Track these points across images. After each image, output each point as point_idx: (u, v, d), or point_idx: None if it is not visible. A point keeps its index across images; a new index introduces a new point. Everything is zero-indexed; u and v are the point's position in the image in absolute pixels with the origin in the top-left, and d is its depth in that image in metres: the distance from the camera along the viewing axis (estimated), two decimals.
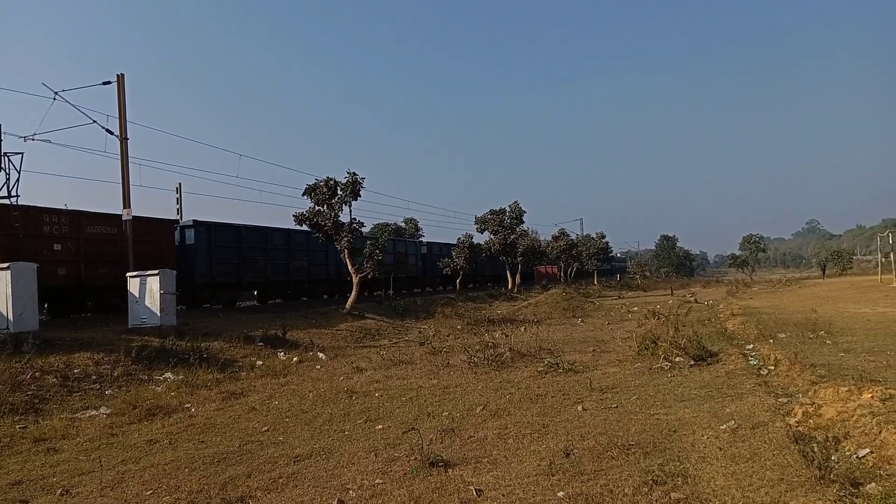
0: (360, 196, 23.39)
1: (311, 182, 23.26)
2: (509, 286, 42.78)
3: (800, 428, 6.57)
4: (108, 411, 9.62)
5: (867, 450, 5.56)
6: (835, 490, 4.75)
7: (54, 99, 18.99)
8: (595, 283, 59.78)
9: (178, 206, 33.33)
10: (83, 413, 9.62)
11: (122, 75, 19.20)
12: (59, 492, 5.99)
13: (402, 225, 63.90)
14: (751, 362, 10.73)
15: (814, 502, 4.63)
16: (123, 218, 18.82)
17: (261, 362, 13.93)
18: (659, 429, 6.94)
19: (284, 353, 15.08)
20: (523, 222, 43.54)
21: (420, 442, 6.55)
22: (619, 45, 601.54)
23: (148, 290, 15.52)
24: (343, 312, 22.66)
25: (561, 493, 5.14)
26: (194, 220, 23.66)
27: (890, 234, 40.47)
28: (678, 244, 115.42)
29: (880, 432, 5.75)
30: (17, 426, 8.73)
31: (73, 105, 19.14)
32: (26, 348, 12.02)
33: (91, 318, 18.36)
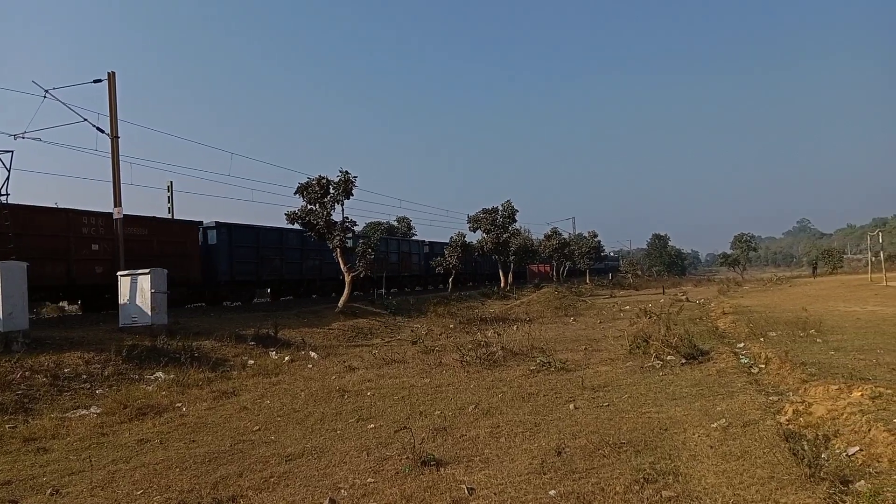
0: (352, 195, 23.34)
1: (304, 181, 23.22)
2: (502, 285, 42.80)
3: (790, 426, 6.60)
4: (98, 411, 9.56)
5: (857, 448, 5.60)
6: (825, 488, 4.78)
7: (45, 97, 18.87)
8: (587, 281, 59.98)
9: (169, 205, 33.17)
10: (73, 412, 9.56)
11: (113, 73, 19.07)
12: (48, 492, 5.96)
13: (395, 223, 63.79)
14: (742, 361, 10.78)
15: (804, 500, 4.65)
16: (115, 217, 18.70)
17: (252, 361, 13.88)
18: (650, 427, 6.96)
19: (276, 353, 15.04)
20: (516, 221, 43.56)
21: (412, 441, 6.55)
22: (614, 47, 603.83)
23: (139, 289, 15.44)
24: (335, 311, 22.62)
25: (553, 492, 5.15)
26: (216, 222, 24.54)
27: (880, 233, 40.79)
28: (670, 243, 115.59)
29: (870, 430, 5.79)
30: (7, 426, 8.67)
31: (63, 103, 19.04)
32: (16, 347, 11.94)
33: (82, 317, 18.24)
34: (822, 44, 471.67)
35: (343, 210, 23.57)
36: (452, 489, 5.37)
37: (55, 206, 18.70)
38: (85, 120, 19.31)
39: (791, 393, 7.97)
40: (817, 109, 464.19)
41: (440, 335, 19.27)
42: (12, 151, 16.61)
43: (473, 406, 8.64)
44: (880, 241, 39.06)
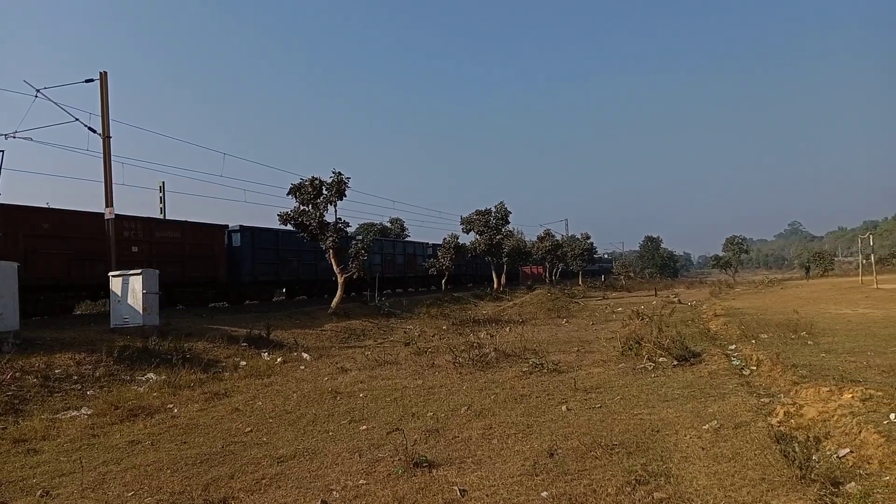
0: (345, 196, 23.33)
1: (297, 182, 23.18)
2: (495, 286, 42.80)
3: (781, 428, 6.63)
4: (89, 412, 9.51)
5: (847, 449, 5.63)
6: (815, 489, 4.81)
7: (36, 96, 18.76)
8: (580, 283, 60.01)
9: (161, 206, 33.05)
10: (64, 414, 9.51)
11: (105, 73, 18.98)
12: (39, 493, 5.92)
13: (388, 225, 63.76)
14: (733, 363, 10.82)
15: (795, 501, 4.68)
16: (106, 217, 18.59)
17: (244, 363, 13.84)
18: (642, 429, 6.98)
19: (268, 354, 15.00)
20: (509, 223, 43.57)
21: (404, 442, 6.55)
22: (607, 48, 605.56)
23: (130, 290, 15.36)
24: (328, 312, 22.58)
25: (545, 493, 5.15)
26: (241, 226, 25.85)
27: (870, 236, 41.02)
28: (662, 245, 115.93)
29: (860, 432, 5.82)
30: None
31: (55, 103, 18.93)
32: (6, 348, 11.86)
33: (73, 318, 18.14)
34: (814, 48, 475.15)
35: (336, 211, 23.57)
36: (445, 490, 5.37)
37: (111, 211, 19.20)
38: (76, 120, 19.22)
39: (782, 395, 8.00)
40: (809, 112, 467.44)
41: (433, 336, 19.25)
42: (3, 151, 16.52)
43: (466, 407, 8.64)
44: (871, 243, 39.30)
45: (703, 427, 6.78)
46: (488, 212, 42.23)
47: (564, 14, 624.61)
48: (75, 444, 7.83)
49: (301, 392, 10.64)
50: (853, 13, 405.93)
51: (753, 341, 12.92)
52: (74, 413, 9.53)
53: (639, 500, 4.89)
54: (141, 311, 15.16)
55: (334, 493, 5.55)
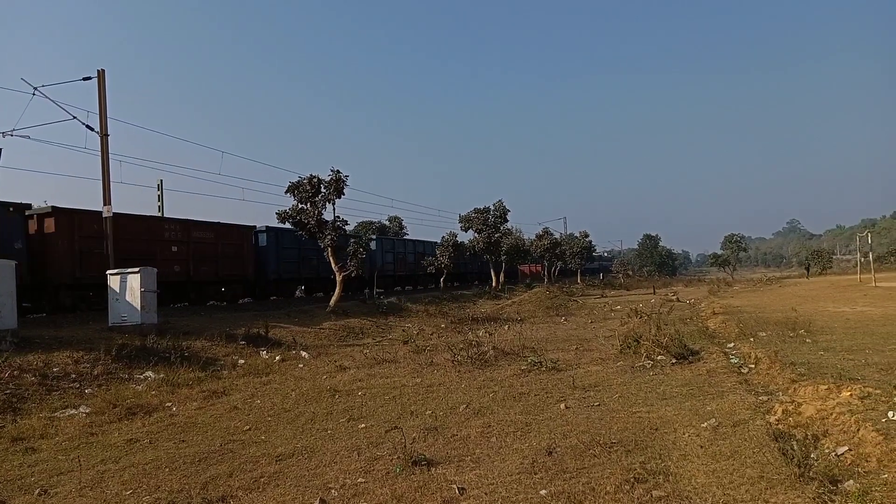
0: (343, 194, 23.28)
1: (295, 180, 23.15)
2: (493, 285, 42.81)
3: (780, 426, 6.64)
4: (87, 410, 9.50)
5: (846, 447, 5.63)
6: (814, 487, 4.81)
7: (33, 94, 18.74)
8: (578, 281, 60.08)
9: (159, 204, 33.03)
10: (62, 412, 9.49)
11: (103, 71, 18.95)
12: (37, 492, 5.92)
13: (387, 223, 63.76)
14: (732, 361, 10.83)
15: (793, 499, 4.68)
16: (104, 215, 18.57)
17: (243, 361, 13.83)
18: (641, 427, 6.99)
19: (267, 352, 14.99)
20: (507, 221, 43.60)
21: (403, 441, 6.55)
22: (606, 47, 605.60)
23: (129, 288, 15.34)
24: (327, 311, 22.56)
25: (543, 492, 5.15)
26: (266, 226, 27.11)
27: (869, 234, 41.07)
28: (661, 243, 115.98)
29: (858, 430, 5.82)
30: None
31: (52, 101, 18.90)
32: (4, 346, 11.84)
33: (72, 317, 18.11)
34: (813, 47, 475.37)
35: (335, 209, 23.53)
36: (443, 489, 5.37)
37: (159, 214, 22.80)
38: (74, 118, 19.21)
39: (781, 393, 8.01)
40: (808, 111, 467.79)
41: (431, 335, 19.26)
42: (0, 149, 16.48)
43: (464, 406, 8.64)
44: (869, 241, 39.36)
45: (702, 425, 6.79)
46: (487, 210, 42.24)
47: (564, 14, 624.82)
48: (73, 443, 7.82)
49: (299, 390, 10.64)
50: (852, 13, 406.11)
51: (752, 339, 12.93)
52: (73, 411, 9.51)
53: (637, 499, 4.88)
54: (139, 310, 15.13)
55: (333, 491, 5.54)
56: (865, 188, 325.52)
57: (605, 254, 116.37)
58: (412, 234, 63.74)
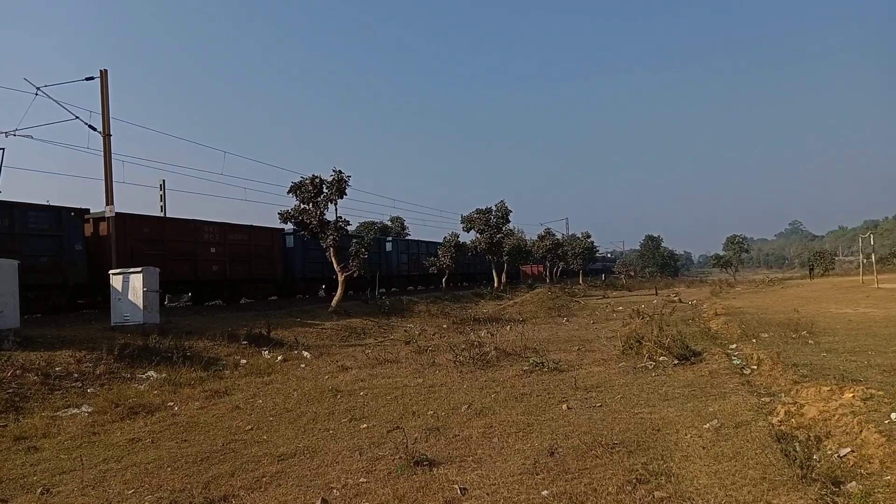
0: (345, 194, 23.32)
1: (297, 180, 23.17)
2: (495, 285, 42.81)
3: (782, 427, 6.63)
4: (89, 410, 9.51)
5: (848, 449, 5.62)
6: (816, 489, 4.80)
7: (36, 94, 18.77)
8: (580, 282, 60.03)
9: (161, 204, 33.07)
10: (64, 411, 9.50)
11: (106, 71, 18.98)
12: (39, 491, 5.92)
13: (389, 224, 63.78)
14: (734, 362, 10.82)
15: (795, 501, 4.67)
16: (106, 215, 18.62)
17: (245, 361, 13.84)
18: (643, 428, 6.98)
19: (269, 352, 15.00)
20: (509, 221, 43.59)
21: (405, 441, 6.55)
22: (608, 47, 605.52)
23: (131, 288, 15.35)
24: (328, 311, 22.58)
25: (545, 492, 5.15)
26: (294, 229, 27.18)
27: (871, 236, 40.97)
28: (663, 244, 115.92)
29: (861, 431, 5.81)
30: None
31: (55, 101, 18.94)
32: (7, 346, 11.86)
33: (74, 316, 18.14)
34: (815, 47, 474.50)
35: (336, 209, 23.56)
36: (445, 489, 5.36)
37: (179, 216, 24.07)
38: (77, 118, 19.24)
39: (783, 394, 8.00)
40: (810, 111, 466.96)
41: (433, 335, 19.25)
42: (3, 149, 16.53)
43: (466, 406, 8.64)
44: (871, 243, 39.24)
45: (704, 426, 6.78)
46: (489, 210, 42.23)
47: (564, 14, 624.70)
48: (76, 442, 7.84)
49: (301, 390, 10.64)
50: (852, 13, 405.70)
51: (754, 340, 12.92)
52: (75, 411, 9.53)
53: (639, 499, 4.88)
54: (142, 309, 15.14)
55: (335, 491, 5.54)
56: (868, 189, 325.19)
57: (608, 255, 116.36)
58: (414, 234, 63.77)
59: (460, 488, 5.34)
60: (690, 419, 7.18)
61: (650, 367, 10.77)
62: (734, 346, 12.80)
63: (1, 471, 6.70)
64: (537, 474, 5.60)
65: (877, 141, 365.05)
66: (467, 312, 25.97)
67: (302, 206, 23.24)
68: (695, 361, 11.03)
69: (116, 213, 19.15)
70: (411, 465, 5.96)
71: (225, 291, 25.30)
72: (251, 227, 26.06)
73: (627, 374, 10.38)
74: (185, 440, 7.75)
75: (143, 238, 20.78)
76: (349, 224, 24.57)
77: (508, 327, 20.37)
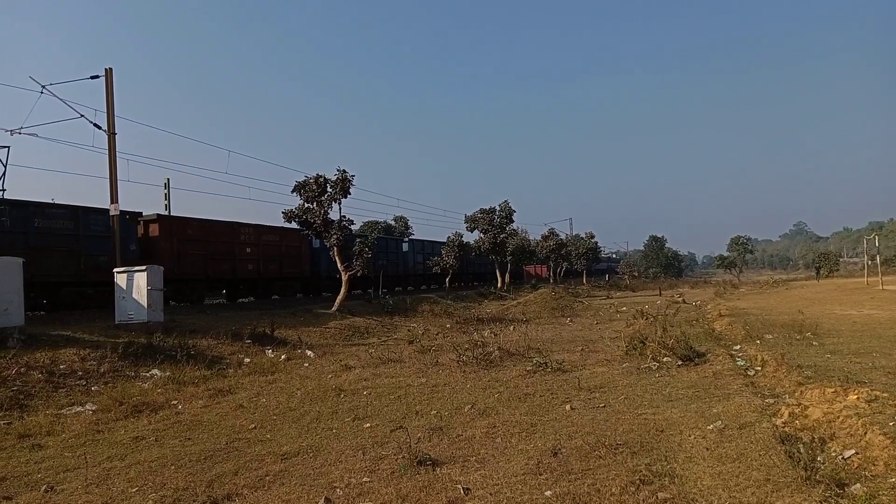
0: (349, 193, 23.33)
1: (301, 179, 23.21)
2: (499, 285, 42.81)
3: (786, 429, 6.61)
4: (93, 408, 9.54)
5: (853, 451, 5.60)
6: (820, 491, 4.78)
7: (41, 93, 18.83)
8: (584, 282, 59.98)
9: (166, 202, 33.15)
10: (69, 409, 9.53)
11: (111, 69, 19.03)
12: (43, 489, 5.94)
13: (392, 223, 63.78)
14: (738, 363, 10.79)
15: (799, 503, 4.66)
16: (111, 213, 18.67)
17: (248, 360, 13.86)
18: (646, 428, 6.97)
19: (272, 351, 15.02)
20: (513, 221, 43.62)
21: (408, 440, 6.55)
22: (612, 47, 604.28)
23: (135, 286, 15.39)
24: (332, 311, 22.60)
25: (549, 493, 5.14)
26: None
27: (876, 237, 40.86)
28: (667, 245, 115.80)
29: (865, 433, 5.79)
30: (2, 422, 8.64)
31: (60, 99, 18.99)
32: (11, 343, 11.90)
33: (78, 314, 18.19)
34: (818, 47, 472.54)
35: (340, 209, 23.59)
36: (448, 489, 5.36)
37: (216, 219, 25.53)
38: (82, 116, 19.28)
39: (787, 395, 7.98)
40: (814, 112, 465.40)
41: (437, 335, 19.25)
42: (8, 147, 16.60)
43: (470, 406, 8.64)
44: (876, 244, 39.14)
45: (708, 427, 6.76)
46: (493, 210, 42.26)
47: (564, 14, 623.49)
48: (80, 440, 7.86)
49: (305, 389, 10.65)
50: (852, 13, 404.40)
51: (758, 342, 12.89)
52: (79, 409, 9.56)
53: (643, 500, 4.87)
54: (146, 308, 15.18)
55: (338, 490, 5.55)
56: (873, 190, 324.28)
57: (612, 255, 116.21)
58: (417, 234, 63.78)
59: (463, 488, 5.34)
60: (694, 420, 7.16)
61: (654, 368, 10.75)
62: (738, 347, 12.77)
63: (5, 468, 6.72)
64: (540, 475, 5.59)
65: (881, 142, 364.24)
66: (471, 312, 25.98)
67: (306, 205, 23.26)
68: (699, 362, 11.00)
69: (163, 215, 20.58)
70: (414, 464, 5.96)
71: (259, 289, 27.57)
72: (283, 228, 27.35)
73: (631, 375, 10.36)
74: (189, 438, 7.76)
75: (188, 238, 22.53)
76: (353, 223, 24.60)
77: (512, 327, 20.34)
